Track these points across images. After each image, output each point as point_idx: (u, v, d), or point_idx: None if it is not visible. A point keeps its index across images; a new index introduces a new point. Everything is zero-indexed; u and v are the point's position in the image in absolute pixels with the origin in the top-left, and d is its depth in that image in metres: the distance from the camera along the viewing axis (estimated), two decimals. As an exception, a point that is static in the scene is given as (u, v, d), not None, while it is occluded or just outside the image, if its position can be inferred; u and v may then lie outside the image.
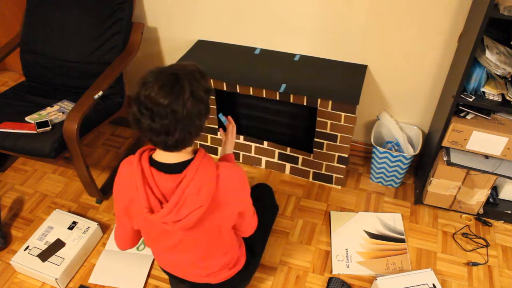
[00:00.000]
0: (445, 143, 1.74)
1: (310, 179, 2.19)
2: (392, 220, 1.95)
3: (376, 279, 1.62)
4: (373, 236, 1.89)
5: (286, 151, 2.15)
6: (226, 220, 1.24)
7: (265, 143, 2.17)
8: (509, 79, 1.65)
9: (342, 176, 2.11)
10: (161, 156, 1.16)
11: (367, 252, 1.83)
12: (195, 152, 1.20)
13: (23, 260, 1.75)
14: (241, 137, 2.21)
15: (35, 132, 1.80)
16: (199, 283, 1.46)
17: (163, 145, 1.11)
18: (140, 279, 1.75)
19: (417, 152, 1.97)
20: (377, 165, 2.05)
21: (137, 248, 1.87)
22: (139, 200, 1.15)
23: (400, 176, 2.05)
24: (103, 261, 1.82)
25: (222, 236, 1.29)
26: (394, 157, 1.96)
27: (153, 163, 1.17)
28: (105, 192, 2.12)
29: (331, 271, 1.77)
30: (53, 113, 1.96)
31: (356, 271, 1.76)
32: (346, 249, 1.84)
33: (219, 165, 1.19)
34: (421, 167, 2.04)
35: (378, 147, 1.98)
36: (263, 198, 1.73)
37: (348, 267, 1.78)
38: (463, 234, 1.91)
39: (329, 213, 2.01)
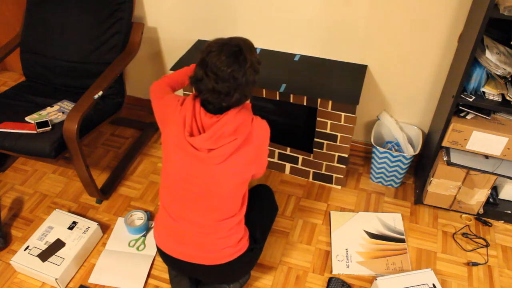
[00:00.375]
0: (445, 143, 1.74)
1: (310, 179, 2.19)
2: (392, 220, 1.95)
3: (376, 279, 1.62)
4: (373, 236, 1.89)
5: (286, 151, 2.15)
6: (251, 159, 1.36)
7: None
8: (509, 79, 1.65)
9: (342, 176, 2.11)
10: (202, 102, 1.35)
11: (367, 252, 1.83)
12: None
13: (23, 260, 1.75)
14: (241, 137, 2.20)
15: (35, 132, 1.80)
16: (200, 265, 1.46)
17: (216, 106, 1.30)
18: (140, 279, 1.75)
19: (417, 152, 1.97)
20: (377, 165, 2.05)
21: (137, 248, 1.87)
22: (180, 128, 1.32)
23: (400, 176, 2.05)
24: (103, 261, 1.82)
25: (239, 191, 1.40)
26: (394, 157, 1.96)
27: (203, 104, 1.34)
28: (105, 192, 2.12)
29: (331, 271, 1.77)
30: (53, 113, 1.96)
31: (356, 271, 1.76)
32: (346, 249, 1.84)
33: (254, 116, 1.40)
34: (421, 167, 2.04)
35: (378, 147, 1.98)
36: (263, 198, 1.74)
37: (348, 267, 1.78)
38: (463, 234, 1.91)
39: (329, 213, 2.01)
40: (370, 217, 1.98)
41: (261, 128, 1.38)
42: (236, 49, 1.27)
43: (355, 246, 1.86)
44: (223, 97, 1.28)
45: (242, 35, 2.14)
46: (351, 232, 1.92)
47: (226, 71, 1.25)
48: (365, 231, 1.92)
